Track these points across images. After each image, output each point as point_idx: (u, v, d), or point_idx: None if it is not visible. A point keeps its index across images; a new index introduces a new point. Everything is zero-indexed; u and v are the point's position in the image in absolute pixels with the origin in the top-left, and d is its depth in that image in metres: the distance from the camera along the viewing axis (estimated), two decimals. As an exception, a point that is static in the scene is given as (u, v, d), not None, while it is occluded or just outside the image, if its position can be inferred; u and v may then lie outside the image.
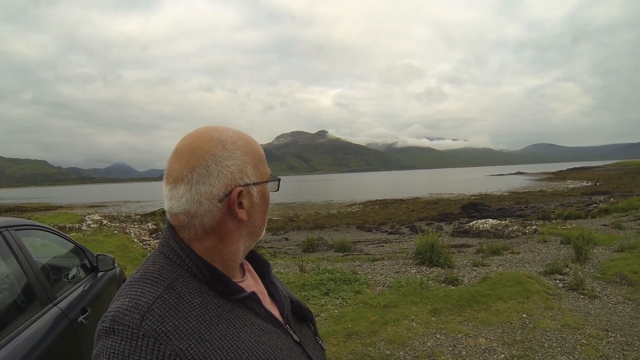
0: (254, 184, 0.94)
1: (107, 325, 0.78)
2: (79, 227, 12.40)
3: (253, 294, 0.95)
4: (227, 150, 0.91)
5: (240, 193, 0.91)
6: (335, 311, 5.61)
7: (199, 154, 0.89)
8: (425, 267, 8.06)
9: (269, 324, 0.95)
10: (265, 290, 1.07)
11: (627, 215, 15.86)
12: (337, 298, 6.13)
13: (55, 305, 2.57)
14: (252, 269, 1.10)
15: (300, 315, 1.10)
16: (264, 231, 1.03)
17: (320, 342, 1.13)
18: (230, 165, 0.90)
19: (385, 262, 8.96)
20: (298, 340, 1.02)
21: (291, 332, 1.01)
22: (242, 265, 1.05)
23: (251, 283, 1.04)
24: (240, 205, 0.92)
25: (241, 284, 0.96)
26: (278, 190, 1.05)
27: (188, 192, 0.87)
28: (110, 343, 0.76)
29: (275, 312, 1.02)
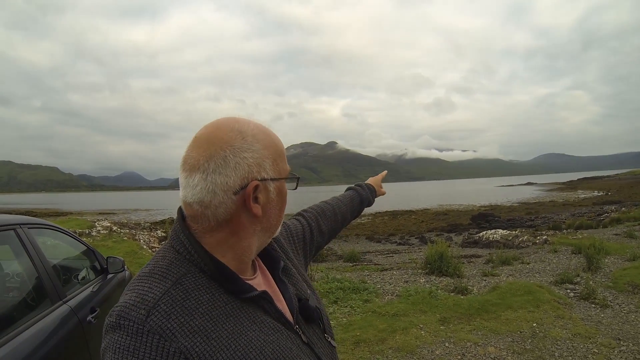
0: (271, 179, 0.92)
1: (114, 320, 0.78)
2: (89, 233, 12.51)
3: (265, 292, 0.93)
4: (247, 142, 0.89)
5: (256, 187, 0.89)
6: (344, 319, 5.58)
7: (218, 143, 0.87)
8: (434, 277, 8.00)
9: (279, 323, 0.93)
10: (276, 288, 1.04)
11: (639, 224, 15.67)
12: (346, 306, 6.10)
13: (65, 303, 2.60)
14: (263, 265, 1.07)
15: (307, 315, 1.06)
16: (279, 229, 1.01)
17: (329, 340, 1.09)
18: (249, 158, 0.88)
19: (395, 272, 8.91)
20: (306, 341, 0.99)
21: (300, 332, 0.99)
22: (253, 262, 1.02)
23: (262, 280, 1.01)
24: (255, 199, 0.90)
25: (251, 282, 0.94)
26: (296, 188, 1.03)
27: (203, 181, 0.85)
28: (116, 338, 0.76)
29: (285, 311, 0.99)
